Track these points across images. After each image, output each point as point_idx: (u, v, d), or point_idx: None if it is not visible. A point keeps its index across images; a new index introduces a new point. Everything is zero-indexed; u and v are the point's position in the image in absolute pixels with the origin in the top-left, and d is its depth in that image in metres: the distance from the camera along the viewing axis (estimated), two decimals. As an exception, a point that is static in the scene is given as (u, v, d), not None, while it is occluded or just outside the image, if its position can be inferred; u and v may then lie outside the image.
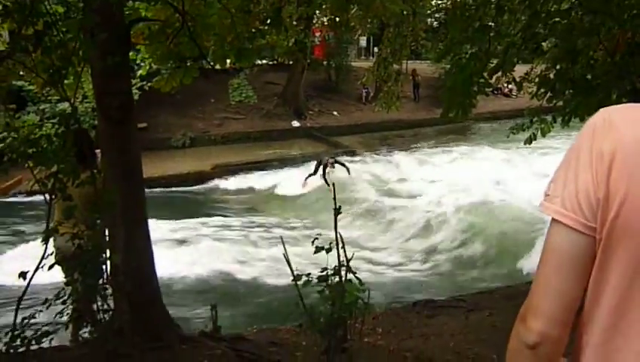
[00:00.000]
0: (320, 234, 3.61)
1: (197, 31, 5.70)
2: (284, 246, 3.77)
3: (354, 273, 3.63)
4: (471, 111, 7.52)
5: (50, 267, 3.75)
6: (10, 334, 3.60)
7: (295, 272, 3.77)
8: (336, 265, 3.66)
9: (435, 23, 26.47)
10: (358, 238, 12.94)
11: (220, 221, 14.08)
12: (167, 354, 4.62)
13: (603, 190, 1.09)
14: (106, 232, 4.41)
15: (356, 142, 22.98)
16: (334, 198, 3.63)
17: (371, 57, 33.57)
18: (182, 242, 11.99)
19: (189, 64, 6.04)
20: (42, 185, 3.54)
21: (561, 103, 6.83)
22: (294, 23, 10.58)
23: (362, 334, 4.05)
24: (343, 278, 3.57)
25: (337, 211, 3.62)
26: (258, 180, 17.96)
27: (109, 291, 4.15)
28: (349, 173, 16.55)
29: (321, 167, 15.87)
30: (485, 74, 6.86)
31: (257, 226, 14.04)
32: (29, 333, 3.65)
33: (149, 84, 11.26)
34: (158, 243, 9.59)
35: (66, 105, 4.04)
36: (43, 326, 3.73)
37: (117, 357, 3.97)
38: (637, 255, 1.08)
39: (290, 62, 25.32)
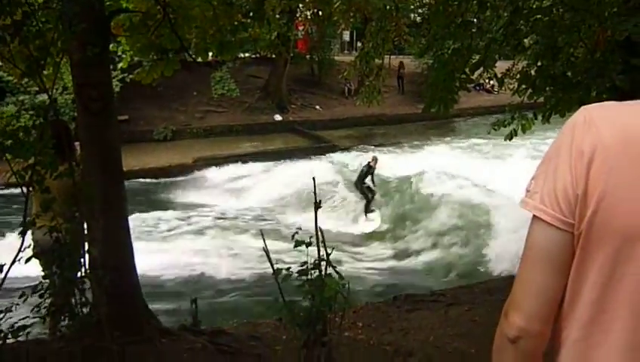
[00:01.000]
0: (300, 229, 3.59)
1: (178, 23, 5.65)
2: (264, 239, 3.76)
3: (334, 267, 3.64)
4: (453, 106, 7.56)
5: (28, 260, 3.71)
6: (-14, 328, 3.55)
7: (275, 266, 3.76)
8: (316, 259, 3.66)
9: (419, 18, 26.53)
10: (337, 232, 12.98)
11: (200, 214, 14.05)
12: (146, 347, 4.59)
13: (582, 187, 1.10)
14: (85, 225, 4.37)
15: (338, 137, 22.99)
16: (315, 192, 3.63)
17: (354, 51, 33.52)
18: (162, 235, 11.95)
19: (170, 56, 6.00)
20: (19, 177, 3.49)
21: (542, 100, 6.89)
22: (277, 16, 10.54)
23: (342, 328, 4.06)
24: (323, 272, 3.56)
25: (317, 205, 3.62)
26: (240, 173, 17.91)
27: (88, 284, 4.12)
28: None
29: (365, 170, 14.81)
30: (467, 70, 6.89)
31: (239, 219, 14.03)
32: (5, 327, 3.60)
33: (130, 76, 11.16)
34: (137, 235, 9.60)
35: (45, 96, 3.97)
36: (20, 319, 3.69)
37: (95, 350, 3.94)
38: (615, 251, 1.09)
39: (273, 56, 25.24)
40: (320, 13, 9.98)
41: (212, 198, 16.09)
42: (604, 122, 1.12)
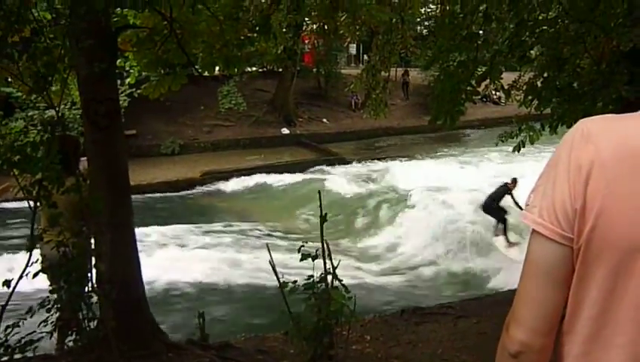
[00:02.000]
0: (306, 242, 3.60)
1: (185, 38, 5.69)
2: (269, 253, 3.77)
3: (340, 280, 3.63)
4: (459, 118, 7.55)
5: (35, 275, 3.73)
6: (-7, 343, 3.56)
7: (282, 279, 3.77)
8: (322, 272, 3.66)
9: (425, 30, 26.62)
10: (343, 245, 12.97)
11: (208, 228, 14.06)
12: (153, 362, 4.59)
13: (580, 201, 1.10)
14: (92, 239, 4.38)
15: (346, 150, 23.00)
16: (320, 206, 3.63)
17: (361, 65, 33.63)
18: (169, 248, 11.94)
19: (177, 71, 6.04)
20: (27, 192, 3.52)
21: (548, 111, 6.88)
22: (283, 30, 10.60)
23: (349, 341, 4.04)
24: (330, 285, 3.56)
25: (323, 219, 3.62)
26: (247, 187, 17.94)
27: (95, 299, 4.13)
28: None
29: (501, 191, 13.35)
30: (473, 81, 6.89)
31: (246, 233, 14.02)
32: (12, 342, 3.61)
33: (138, 91, 11.22)
34: (145, 249, 9.62)
35: (53, 112, 4.01)
36: (27, 334, 3.70)
37: (102, 365, 3.95)
38: (615, 265, 1.08)
39: (280, 70, 25.35)
40: (326, 26, 10.03)
41: (219, 212, 16.11)
42: (602, 136, 1.12)
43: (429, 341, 6.24)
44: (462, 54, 7.04)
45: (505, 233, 13.14)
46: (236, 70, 7.92)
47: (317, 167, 20.26)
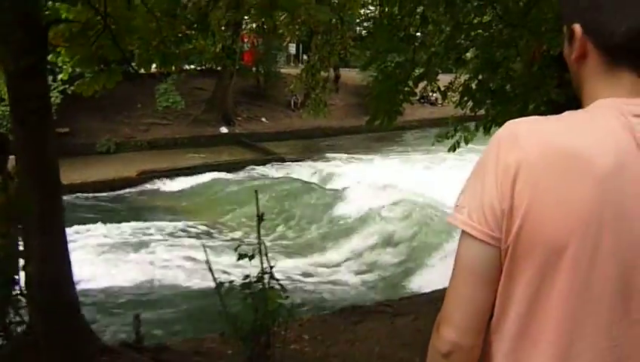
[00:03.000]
0: (242, 242, 3.57)
1: (120, 34, 5.56)
2: (205, 253, 3.72)
3: (277, 280, 3.62)
4: (396, 118, 7.63)
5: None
6: None
7: (218, 279, 3.72)
8: (259, 271, 3.63)
9: (364, 31, 26.84)
10: (281, 244, 12.95)
11: (144, 227, 13.79)
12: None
13: (507, 202, 1.11)
14: (20, 241, 4.23)
15: (285, 149, 22.97)
16: (257, 205, 3.61)
17: (300, 64, 33.62)
18: (103, 249, 11.65)
19: (112, 68, 5.90)
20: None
21: (483, 112, 7.05)
22: (222, 28, 10.48)
23: (287, 341, 4.03)
24: (266, 285, 3.54)
25: (260, 218, 3.60)
26: (185, 187, 17.70)
27: (23, 303, 3.99)
28: None
29: None
30: (410, 82, 6.98)
31: (184, 233, 13.84)
32: None
33: (71, 88, 10.89)
34: (76, 249, 9.35)
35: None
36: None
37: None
38: (542, 264, 1.11)
39: (219, 68, 25.08)
40: (265, 25, 10.00)
41: (156, 211, 15.84)
42: (529, 137, 1.14)
43: (367, 339, 6.29)
44: (400, 55, 7.13)
45: None
46: (173, 68, 7.80)
47: (256, 167, 20.17)
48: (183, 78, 22.50)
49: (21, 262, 4.10)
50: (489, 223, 1.14)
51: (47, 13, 4.64)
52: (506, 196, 1.12)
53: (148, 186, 17.87)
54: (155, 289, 10.10)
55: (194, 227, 14.31)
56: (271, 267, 3.55)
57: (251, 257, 3.53)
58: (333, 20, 10.30)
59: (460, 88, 8.46)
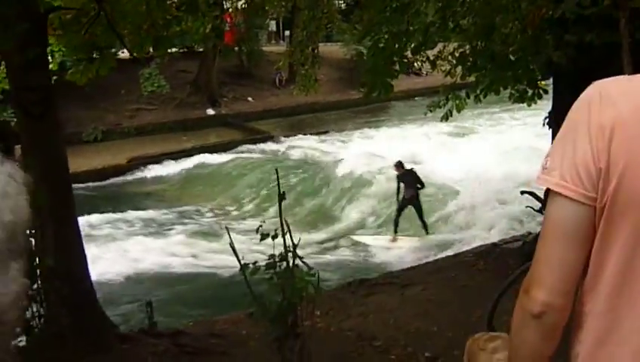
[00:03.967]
0: (264, 222, 3.55)
1: (114, 19, 5.48)
2: (229, 235, 3.69)
3: (301, 258, 3.61)
4: (392, 90, 7.63)
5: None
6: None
7: (236, 261, 3.70)
8: (282, 251, 3.62)
9: (343, 4, 26.62)
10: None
11: (142, 214, 13.75)
12: (109, 356, 4.46)
13: (604, 161, 1.11)
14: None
15: (273, 127, 22.87)
16: (278, 184, 3.59)
17: (282, 41, 33.39)
18: (106, 238, 11.60)
19: (105, 54, 5.82)
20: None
21: (472, 79, 7.03)
22: (209, 8, 10.32)
23: (314, 318, 4.05)
24: (291, 264, 3.53)
25: (282, 197, 3.58)
26: (177, 171, 17.60)
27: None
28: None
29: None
30: (408, 53, 6.95)
31: (179, 217, 13.80)
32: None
33: (54, 78, 10.70)
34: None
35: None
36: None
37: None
38: (639, 224, 1.10)
39: (201, 50, 24.79)
40: (252, 2, 9.87)
41: (151, 197, 15.77)
42: (621, 95, 1.14)
43: (380, 311, 6.32)
44: (393, 27, 7.08)
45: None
46: (164, 50, 7.72)
47: (246, 146, 20.05)
48: (166, 61, 22.22)
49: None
50: (584, 183, 1.14)
51: (46, 0, 4.54)
52: (602, 155, 1.12)
53: (139, 173, 17.77)
54: (162, 276, 10.09)
55: (193, 212, 14.29)
56: (294, 245, 3.54)
57: (274, 236, 3.51)
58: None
59: (449, 57, 8.46)
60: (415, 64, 8.73)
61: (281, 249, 3.59)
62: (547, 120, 6.98)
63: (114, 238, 11.75)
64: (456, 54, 7.46)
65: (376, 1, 7.30)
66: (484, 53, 6.17)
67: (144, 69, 21.28)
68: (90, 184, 16.31)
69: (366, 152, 16.34)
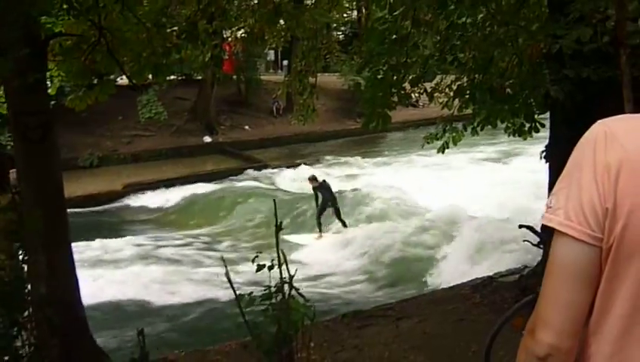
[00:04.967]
0: (260, 252, 3.51)
1: (114, 46, 5.50)
2: (225, 265, 3.65)
3: (297, 289, 3.57)
4: (390, 121, 7.65)
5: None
6: None
7: (235, 292, 3.66)
8: (278, 282, 3.58)
9: (341, 36, 26.87)
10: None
11: (135, 241, 13.64)
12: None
13: (610, 201, 1.10)
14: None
15: (270, 156, 22.90)
16: (275, 215, 3.56)
17: (280, 70, 33.66)
18: (98, 265, 11.50)
19: (104, 80, 5.84)
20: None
21: (469, 111, 7.08)
22: (209, 37, 10.38)
23: (309, 350, 3.98)
24: (287, 295, 3.49)
25: (279, 228, 3.55)
26: (172, 198, 17.54)
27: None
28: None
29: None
30: (406, 85, 6.99)
31: (174, 244, 13.70)
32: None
33: (55, 102, 10.72)
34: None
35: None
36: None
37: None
38: None
39: (200, 78, 24.93)
40: (255, 30, 9.94)
41: (145, 224, 15.68)
42: (627, 136, 1.13)
43: (374, 344, 6.23)
44: (392, 58, 7.13)
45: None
46: (164, 77, 7.75)
47: (242, 175, 20.08)
48: (164, 88, 22.33)
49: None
50: (589, 223, 1.12)
51: (47, 27, 4.55)
52: (609, 195, 1.10)
53: (134, 199, 17.75)
54: (155, 304, 9.97)
55: (186, 239, 14.18)
56: (291, 276, 3.49)
57: (270, 267, 3.47)
58: (319, 25, 10.28)
59: (446, 89, 8.53)
60: (413, 95, 8.76)
61: (277, 279, 3.56)
62: (544, 153, 7.01)
63: (106, 264, 11.63)
64: (454, 87, 7.54)
65: (375, 32, 7.35)
66: (481, 87, 6.20)
67: (142, 96, 21.40)
68: (85, 209, 16.23)
69: (361, 187, 16.34)
